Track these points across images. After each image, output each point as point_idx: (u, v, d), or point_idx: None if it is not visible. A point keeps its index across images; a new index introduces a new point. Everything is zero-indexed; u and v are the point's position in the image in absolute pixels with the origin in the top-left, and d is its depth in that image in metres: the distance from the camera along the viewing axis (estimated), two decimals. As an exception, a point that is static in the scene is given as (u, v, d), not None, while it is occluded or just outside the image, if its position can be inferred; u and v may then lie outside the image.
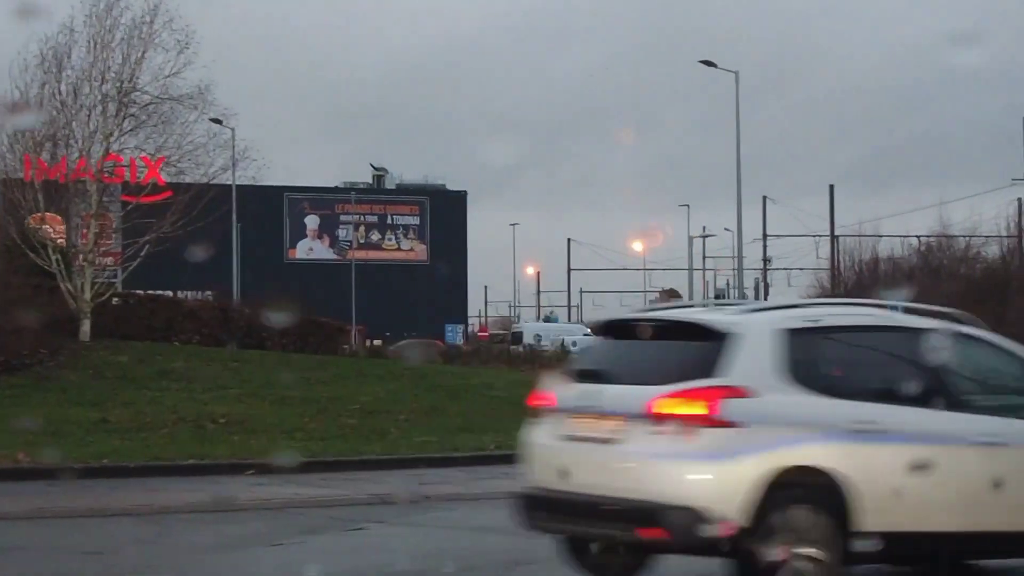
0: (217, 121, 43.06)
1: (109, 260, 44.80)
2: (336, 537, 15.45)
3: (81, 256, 38.03)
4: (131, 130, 39.03)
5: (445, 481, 20.87)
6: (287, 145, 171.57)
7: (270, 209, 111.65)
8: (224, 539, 15.17)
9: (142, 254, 40.86)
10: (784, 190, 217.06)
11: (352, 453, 22.99)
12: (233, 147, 45.91)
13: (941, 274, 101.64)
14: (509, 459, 23.76)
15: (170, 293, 60.11)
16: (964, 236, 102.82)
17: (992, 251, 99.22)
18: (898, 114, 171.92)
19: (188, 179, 40.69)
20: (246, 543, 14.90)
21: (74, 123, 38.65)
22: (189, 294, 65.22)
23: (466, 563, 13.52)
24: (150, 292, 47.14)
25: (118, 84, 38.45)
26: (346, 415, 27.40)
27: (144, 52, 38.83)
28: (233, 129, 49.41)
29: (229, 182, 49.29)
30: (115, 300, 41.70)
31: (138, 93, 38.91)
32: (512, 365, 76.28)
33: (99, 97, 38.63)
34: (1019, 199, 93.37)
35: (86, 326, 37.12)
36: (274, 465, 21.29)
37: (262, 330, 46.20)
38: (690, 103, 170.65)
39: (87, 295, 37.59)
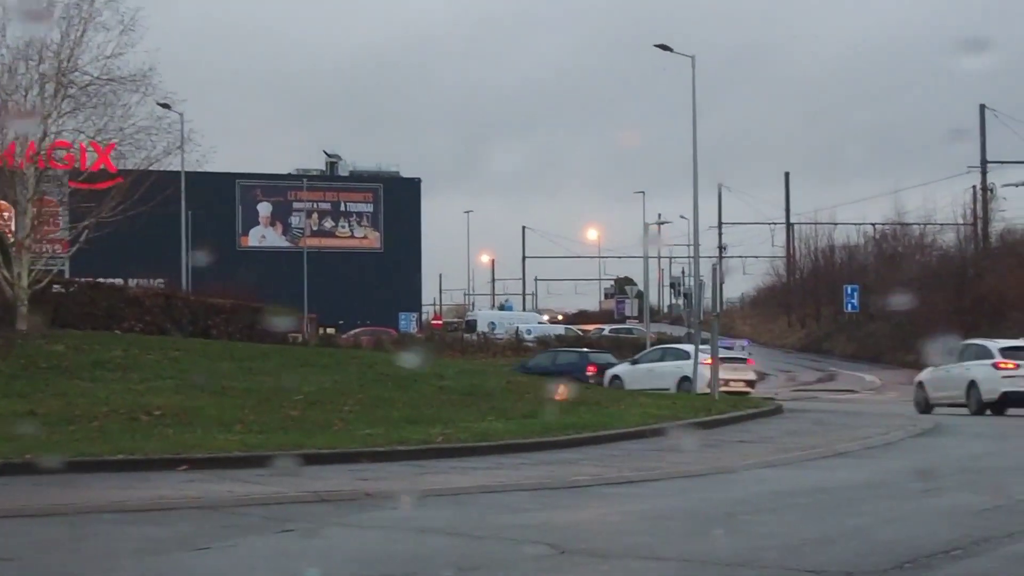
0: (165, 106, 41.86)
1: (57, 248, 43.69)
2: (268, 539, 14.40)
3: (17, 243, 36.79)
4: (70, 112, 37.76)
5: (389, 476, 19.84)
6: (241, 132, 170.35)
7: (222, 196, 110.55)
8: (147, 542, 14.09)
9: (81, 239, 39.67)
10: (743, 179, 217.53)
11: (292, 447, 21.90)
12: (182, 133, 44.75)
13: (896, 261, 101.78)
14: (457, 452, 22.89)
15: (120, 281, 59.00)
16: (919, 224, 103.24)
17: (948, 238, 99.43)
18: (856, 104, 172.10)
19: (129, 163, 39.50)
20: (169, 547, 13.83)
21: (9, 104, 37.32)
22: (140, 282, 64.07)
23: (407, 570, 12.50)
24: (91, 279, 46.01)
25: (56, 64, 37.18)
26: (289, 406, 26.33)
27: (84, 31, 37.59)
28: (181, 114, 48.22)
29: (176, 168, 48.06)
30: (55, 288, 40.55)
31: (78, 74, 37.67)
32: (466, 353, 75.75)
33: (35, 77, 37.37)
34: (974, 186, 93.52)
35: (23, 314, 35.92)
36: (208, 460, 20.30)
37: (207, 318, 45.18)
38: (650, 91, 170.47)
39: (24, 282, 36.41)
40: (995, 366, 38.82)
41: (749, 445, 26.54)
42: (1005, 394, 38.44)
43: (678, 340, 66.06)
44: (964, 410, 39.65)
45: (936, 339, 44.99)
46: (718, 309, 43.69)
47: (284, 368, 32.05)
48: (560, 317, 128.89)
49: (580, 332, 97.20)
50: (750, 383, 48.48)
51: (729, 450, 25.50)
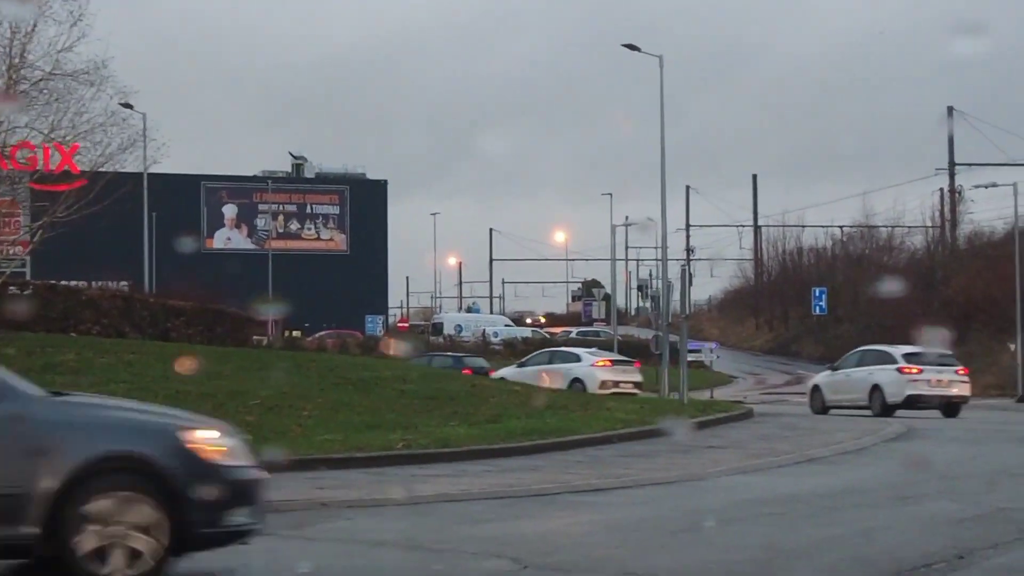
0: (127, 105, 41.02)
1: (17, 249, 42.80)
2: (214, 554, 13.59)
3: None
4: (22, 109, 36.77)
5: (346, 485, 19.05)
6: (210, 134, 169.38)
7: (187, 198, 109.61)
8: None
9: (35, 240, 38.78)
10: (714, 182, 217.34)
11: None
12: (144, 132, 43.92)
13: (863, 264, 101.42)
14: (418, 459, 22.14)
15: (84, 283, 58.03)
16: (887, 226, 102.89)
17: (916, 241, 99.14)
18: (827, 107, 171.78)
19: (84, 160, 38.59)
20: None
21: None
22: (104, 284, 63.15)
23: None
24: (48, 281, 45.09)
25: (7, 59, 36.23)
26: (244, 411, 25.45)
27: (35, 25, 36.66)
28: (144, 114, 47.42)
29: (136, 167, 47.11)
30: (11, 289, 39.63)
31: (29, 69, 36.72)
32: (432, 356, 74.99)
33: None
34: (941, 189, 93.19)
35: (-26, 317, 35.01)
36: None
37: (167, 320, 44.30)
38: (622, 93, 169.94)
39: (-25, 284, 35.56)
40: (900, 371, 40.88)
41: (719, 451, 25.87)
42: (909, 397, 40.44)
43: (642, 341, 65.57)
44: (867, 412, 40.64)
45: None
46: (686, 311, 43.07)
47: (242, 371, 31.19)
48: (542, 319, 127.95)
49: (547, 335, 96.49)
50: (638, 384, 48.15)
51: (698, 456, 24.82)
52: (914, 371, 40.76)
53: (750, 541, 14.35)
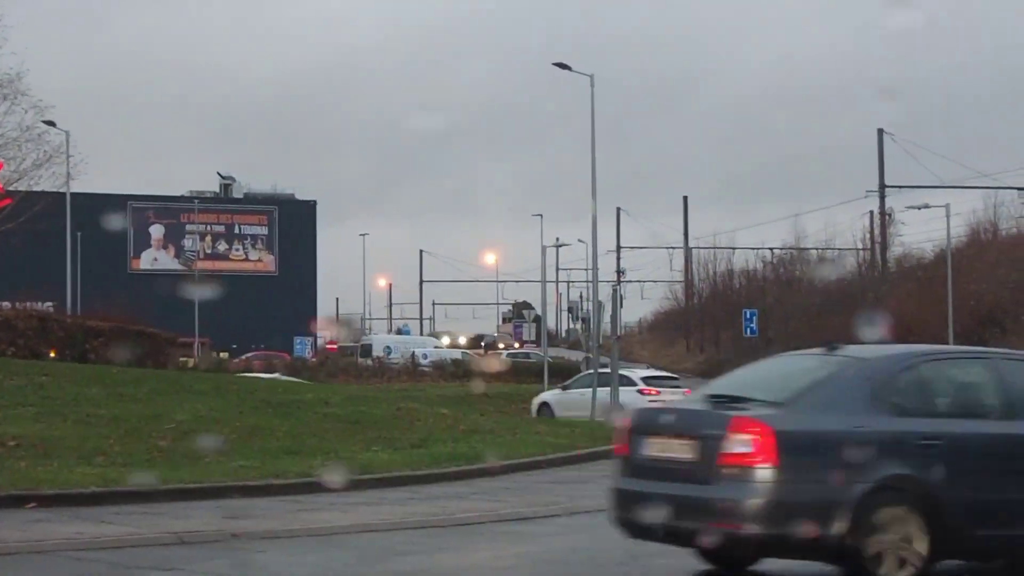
0: (49, 123, 39.87)
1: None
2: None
3: None
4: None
5: (261, 514, 18.03)
6: (141, 155, 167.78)
7: (113, 218, 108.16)
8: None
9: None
10: (649, 205, 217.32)
11: (156, 481, 20.01)
12: (67, 154, 42.77)
13: (794, 286, 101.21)
14: (337, 487, 21.13)
15: (7, 304, 56.72)
16: (817, 248, 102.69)
17: (847, 263, 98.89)
18: (764, 132, 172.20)
19: (-2, 176, 37.45)
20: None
21: None
22: (27, 304, 61.78)
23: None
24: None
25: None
26: (158, 436, 24.39)
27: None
28: (67, 132, 46.25)
29: (48, 186, 45.95)
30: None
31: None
32: (360, 379, 73.87)
33: None
34: (871, 211, 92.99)
35: None
36: (60, 496, 18.43)
37: (85, 341, 43.10)
38: (559, 117, 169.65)
39: None
40: (641, 392, 44.26)
41: (652, 476, 24.97)
42: None
43: (572, 363, 64.64)
44: None
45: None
46: (617, 333, 42.31)
47: (159, 394, 30.06)
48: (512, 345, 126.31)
49: (477, 356, 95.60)
50: None
51: (631, 482, 23.92)
52: (654, 393, 43.95)
53: (688, 573, 13.47)
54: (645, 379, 46.72)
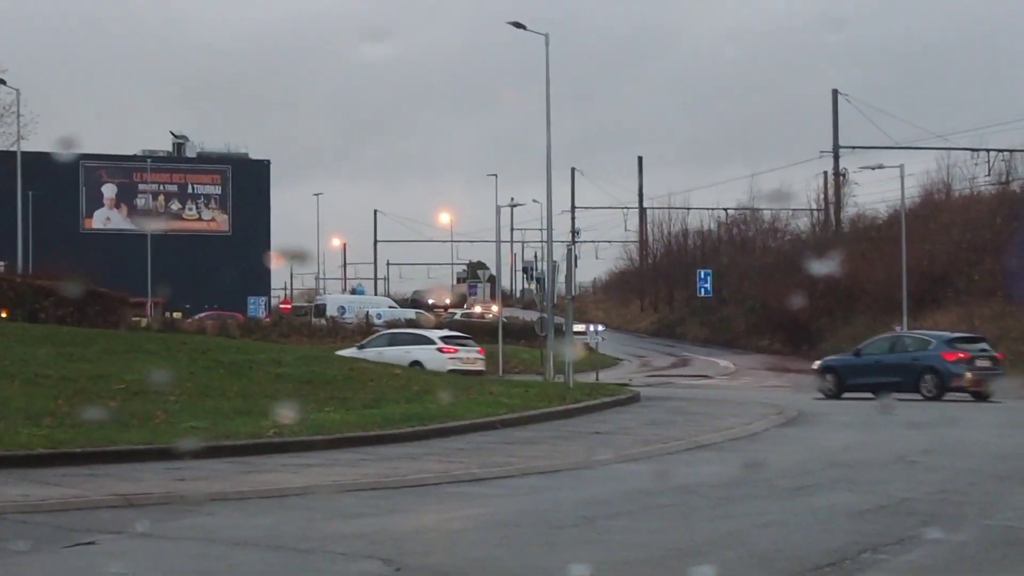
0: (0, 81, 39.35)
1: None
2: (52, 557, 12.34)
3: None
4: None
5: (210, 476, 17.80)
6: (100, 115, 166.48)
7: (65, 177, 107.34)
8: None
9: None
10: (607, 166, 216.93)
11: (105, 442, 19.76)
12: (18, 112, 42.20)
13: (748, 247, 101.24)
14: (290, 447, 20.92)
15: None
16: (772, 209, 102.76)
17: (802, 223, 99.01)
18: (722, 93, 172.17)
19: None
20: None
21: None
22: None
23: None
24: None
25: None
26: (107, 396, 24.10)
27: None
28: (17, 90, 45.70)
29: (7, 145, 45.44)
30: None
31: None
32: (313, 338, 73.56)
33: None
34: (825, 172, 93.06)
35: None
36: (6, 458, 18.17)
37: (35, 301, 42.69)
38: (517, 79, 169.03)
39: None
40: (440, 350, 48.47)
41: (606, 437, 24.89)
42: (451, 372, 44.78)
43: (527, 323, 64.65)
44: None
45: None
46: (571, 293, 42.15)
47: (109, 354, 29.72)
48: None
49: (431, 316, 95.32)
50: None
51: (585, 442, 23.83)
52: (453, 350, 48.97)
53: (642, 538, 13.33)
54: (443, 338, 50.64)
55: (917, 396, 39.69)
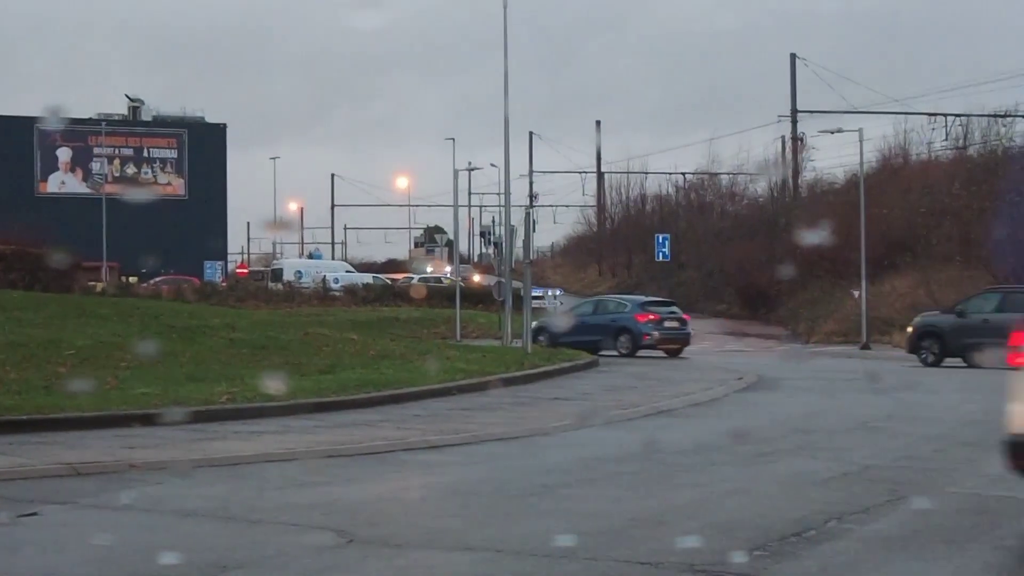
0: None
1: None
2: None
3: None
4: None
5: (160, 443, 17.40)
6: (41, 77, 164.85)
7: (19, 141, 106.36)
8: None
9: None
10: (569, 130, 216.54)
11: (53, 409, 19.32)
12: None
13: (706, 211, 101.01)
14: (242, 414, 20.52)
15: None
16: (730, 173, 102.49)
17: (760, 187, 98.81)
18: (684, 58, 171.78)
19: None
20: None
21: None
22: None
23: (153, 572, 10.16)
24: None
25: None
26: (56, 362, 23.66)
27: None
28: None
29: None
30: None
31: None
32: (269, 303, 73.02)
33: None
34: (783, 136, 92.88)
35: None
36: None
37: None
38: (480, 41, 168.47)
39: None
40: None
41: (565, 403, 24.59)
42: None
43: (484, 288, 64.31)
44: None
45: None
46: (529, 257, 41.81)
47: (58, 319, 29.25)
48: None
49: (389, 281, 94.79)
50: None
51: (543, 409, 23.50)
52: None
53: (602, 506, 13.01)
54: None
55: (614, 353, 42.42)
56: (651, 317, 44.57)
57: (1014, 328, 11.56)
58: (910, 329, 42.52)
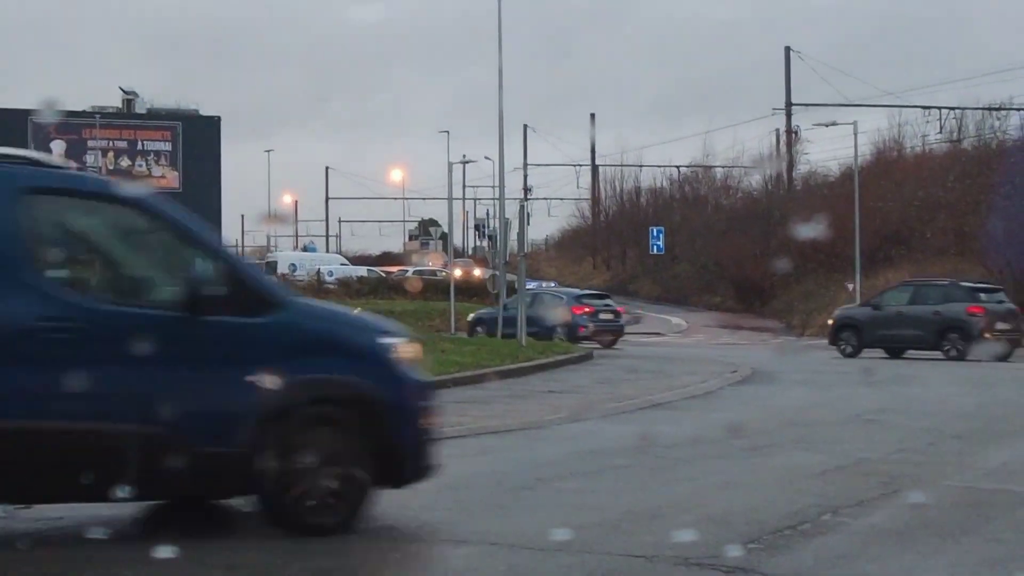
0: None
1: None
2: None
3: None
4: None
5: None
6: (35, 70, 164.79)
7: (13, 134, 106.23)
8: None
9: None
10: (567, 123, 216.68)
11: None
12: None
13: (700, 204, 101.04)
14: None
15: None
16: (725, 166, 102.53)
17: (755, 180, 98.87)
18: (681, 51, 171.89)
19: None
20: None
21: None
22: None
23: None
24: None
25: None
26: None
27: None
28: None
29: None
30: None
31: None
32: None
33: None
34: (777, 129, 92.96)
35: None
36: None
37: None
38: (476, 34, 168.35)
39: None
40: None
41: (559, 396, 24.61)
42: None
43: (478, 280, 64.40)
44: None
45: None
46: (524, 250, 41.86)
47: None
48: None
49: (383, 273, 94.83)
50: None
51: (537, 402, 23.52)
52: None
53: (595, 499, 13.04)
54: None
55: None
56: (586, 310, 46.35)
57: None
58: (831, 322, 44.07)
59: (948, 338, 39.13)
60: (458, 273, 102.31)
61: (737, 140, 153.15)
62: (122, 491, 10.12)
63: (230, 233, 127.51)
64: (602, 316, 46.49)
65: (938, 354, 39.05)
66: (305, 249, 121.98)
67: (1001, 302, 40.76)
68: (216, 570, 9.79)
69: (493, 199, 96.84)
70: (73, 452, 10.14)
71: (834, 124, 63.56)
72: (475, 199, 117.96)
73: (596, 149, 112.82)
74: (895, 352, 40.29)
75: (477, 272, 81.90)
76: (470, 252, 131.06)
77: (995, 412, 22.82)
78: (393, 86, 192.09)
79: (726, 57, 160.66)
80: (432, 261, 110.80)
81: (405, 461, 11.23)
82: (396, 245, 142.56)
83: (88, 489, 10.27)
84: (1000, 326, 39.60)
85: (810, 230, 63.59)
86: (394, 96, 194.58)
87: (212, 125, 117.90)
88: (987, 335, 38.90)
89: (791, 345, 53.95)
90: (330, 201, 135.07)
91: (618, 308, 48.16)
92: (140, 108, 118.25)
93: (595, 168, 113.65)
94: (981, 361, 37.28)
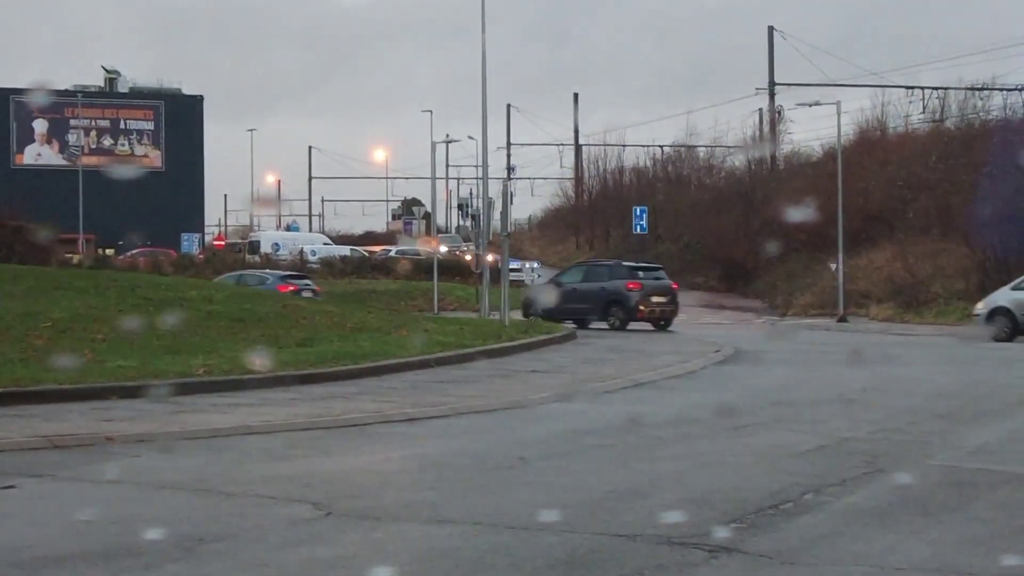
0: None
1: None
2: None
3: None
4: None
5: (137, 416, 17.37)
6: (16, 48, 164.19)
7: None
8: None
9: None
10: (548, 105, 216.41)
11: (30, 382, 19.27)
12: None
13: (683, 184, 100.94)
14: (219, 387, 20.48)
15: None
16: (708, 146, 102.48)
17: (738, 160, 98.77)
18: (668, 33, 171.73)
19: None
20: None
21: None
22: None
23: (128, 543, 10.12)
24: None
25: None
26: (33, 335, 23.60)
27: None
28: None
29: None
30: None
31: None
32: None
33: None
34: (760, 109, 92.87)
35: None
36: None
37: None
38: (461, 15, 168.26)
39: None
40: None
41: (542, 375, 24.60)
42: None
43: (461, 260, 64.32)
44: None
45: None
46: (507, 230, 41.80)
47: (35, 291, 29.14)
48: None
49: (366, 253, 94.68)
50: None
51: (521, 381, 23.52)
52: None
53: (579, 479, 13.03)
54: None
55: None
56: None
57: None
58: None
59: (611, 311, 42.85)
60: (468, 258, 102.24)
61: (720, 120, 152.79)
62: None
63: (213, 213, 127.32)
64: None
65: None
66: (288, 229, 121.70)
67: (659, 279, 44.72)
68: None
69: (476, 179, 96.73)
70: None
71: (817, 104, 63.50)
72: (458, 179, 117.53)
73: (580, 129, 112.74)
74: (581, 324, 42.01)
75: (469, 257, 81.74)
76: (453, 231, 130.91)
77: (977, 392, 22.88)
78: (379, 66, 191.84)
79: (711, 37, 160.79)
80: (426, 244, 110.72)
81: None
82: (379, 224, 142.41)
83: None
84: (656, 300, 43.30)
85: (793, 210, 63.62)
86: (380, 76, 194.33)
87: (195, 104, 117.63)
88: (642, 308, 42.89)
89: (774, 324, 54.09)
90: (313, 181, 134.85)
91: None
92: (122, 87, 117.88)
93: (578, 148, 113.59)
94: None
